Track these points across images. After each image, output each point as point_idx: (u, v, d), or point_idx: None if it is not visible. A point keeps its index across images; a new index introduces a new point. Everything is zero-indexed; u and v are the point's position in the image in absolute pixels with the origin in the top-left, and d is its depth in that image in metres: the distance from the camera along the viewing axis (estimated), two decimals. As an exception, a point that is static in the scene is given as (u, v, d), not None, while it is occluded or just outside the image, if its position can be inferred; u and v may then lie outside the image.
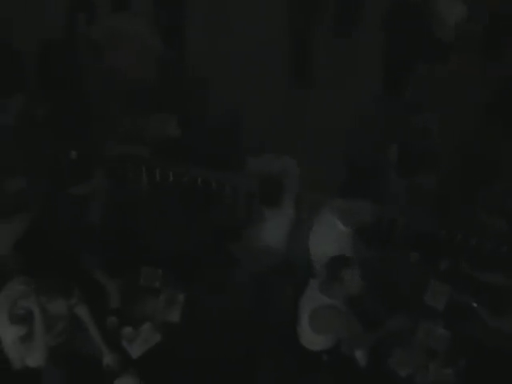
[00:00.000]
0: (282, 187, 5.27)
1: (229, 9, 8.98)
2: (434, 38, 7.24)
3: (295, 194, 5.45)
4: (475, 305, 5.12)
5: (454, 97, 7.49)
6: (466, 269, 5.39)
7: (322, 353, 4.87)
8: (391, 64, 7.51)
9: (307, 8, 7.66)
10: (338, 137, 6.92)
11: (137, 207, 5.68)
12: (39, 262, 4.92)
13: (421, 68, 7.48)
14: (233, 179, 5.74)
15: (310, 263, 5.21)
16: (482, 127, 7.32)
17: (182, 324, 5.12)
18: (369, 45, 8.10)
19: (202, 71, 7.34)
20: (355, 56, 8.52)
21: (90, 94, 6.55)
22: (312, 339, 4.79)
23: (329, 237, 5.09)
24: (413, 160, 5.96)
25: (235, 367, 5.00)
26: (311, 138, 7.22)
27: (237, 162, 5.82)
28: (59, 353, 4.76)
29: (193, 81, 6.89)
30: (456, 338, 5.03)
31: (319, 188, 5.81)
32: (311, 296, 4.65)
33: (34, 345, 4.48)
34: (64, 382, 4.83)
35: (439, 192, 6.02)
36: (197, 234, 5.46)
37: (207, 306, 5.15)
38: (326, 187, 6.04)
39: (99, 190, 5.38)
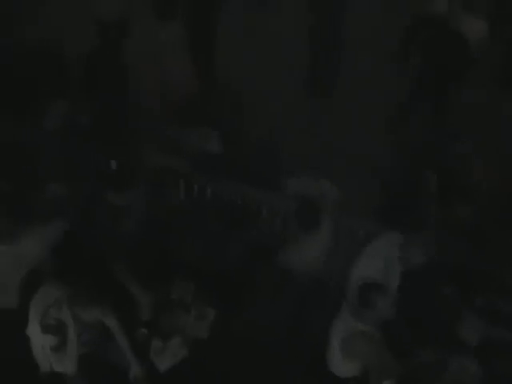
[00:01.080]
0: (319, 210, 5.24)
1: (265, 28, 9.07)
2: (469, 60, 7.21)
3: (332, 218, 5.41)
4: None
5: (492, 123, 7.41)
6: (501, 304, 5.29)
7: (349, 380, 4.81)
8: (426, 90, 7.47)
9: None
10: (376, 162, 6.89)
11: (173, 221, 5.68)
12: (73, 269, 4.95)
13: (461, 93, 7.43)
14: (270, 199, 5.72)
15: (343, 288, 5.16)
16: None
17: (210, 340, 5.10)
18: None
19: (244, 92, 7.38)
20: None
21: (132, 104, 6.61)
22: (341, 365, 4.74)
23: (369, 264, 5.04)
24: (451, 190, 5.89)
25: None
26: (349, 162, 7.19)
27: (275, 182, 5.80)
28: (87, 361, 4.77)
29: (234, 98, 6.94)
30: (489, 375, 4.92)
31: (356, 212, 5.77)
32: (344, 321, 4.61)
33: (64, 354, 4.50)
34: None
35: (477, 223, 5.93)
36: (231, 251, 5.44)
37: (237, 323, 5.13)
38: (362, 212, 6.00)
39: (137, 201, 5.39)
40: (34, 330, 4.52)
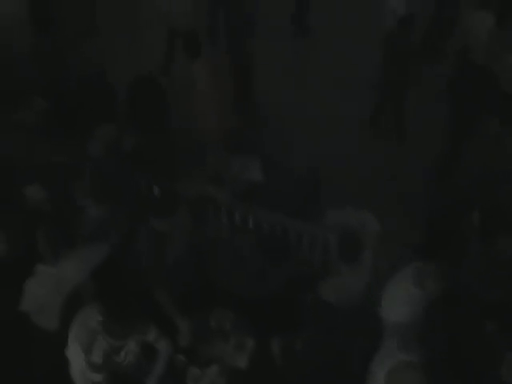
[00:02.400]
0: (360, 242, 5.20)
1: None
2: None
3: (373, 250, 5.37)
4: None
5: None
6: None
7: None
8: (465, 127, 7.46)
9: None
10: (418, 196, 6.86)
11: (214, 248, 5.69)
12: (114, 293, 4.96)
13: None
14: (311, 229, 5.70)
15: (383, 320, 5.10)
16: None
17: (248, 370, 5.05)
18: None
19: (286, 121, 7.42)
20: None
21: (176, 132, 6.70)
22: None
23: (401, 298, 4.98)
24: (495, 225, 5.81)
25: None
26: (391, 194, 7.17)
27: (316, 213, 5.79)
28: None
29: (277, 128, 6.99)
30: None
31: (396, 245, 5.72)
32: (388, 353, 4.53)
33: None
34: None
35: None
36: (271, 280, 5.42)
37: (276, 354, 5.07)
38: (403, 245, 5.95)
39: (179, 227, 5.41)
40: (73, 352, 4.52)
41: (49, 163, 6.16)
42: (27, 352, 4.99)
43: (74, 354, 4.52)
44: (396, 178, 7.48)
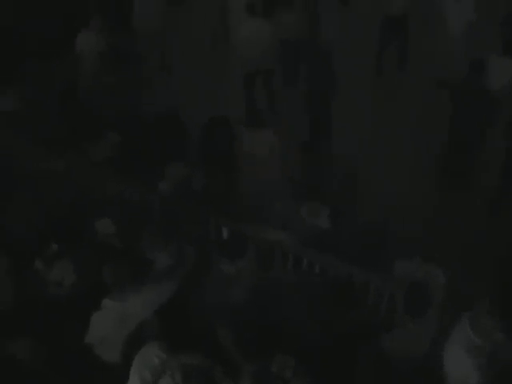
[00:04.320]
0: (427, 296, 5.11)
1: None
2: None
3: (440, 304, 5.26)
4: None
5: None
6: None
7: None
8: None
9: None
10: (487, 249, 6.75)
11: (280, 293, 5.65)
12: (178, 332, 4.99)
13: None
14: (377, 279, 5.61)
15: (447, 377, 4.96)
16: None
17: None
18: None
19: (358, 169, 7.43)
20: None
21: (246, 175, 6.77)
22: None
23: (463, 350, 4.83)
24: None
25: None
26: (458, 247, 7.05)
27: (383, 263, 5.72)
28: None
29: (346, 175, 6.98)
30: None
31: (463, 299, 5.59)
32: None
33: None
34: None
35: None
36: (335, 329, 5.34)
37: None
38: (470, 299, 5.82)
39: (246, 270, 5.42)
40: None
41: (120, 199, 6.29)
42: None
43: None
44: (464, 228, 7.37)
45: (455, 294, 5.49)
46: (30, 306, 5.30)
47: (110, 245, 5.85)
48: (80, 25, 9.62)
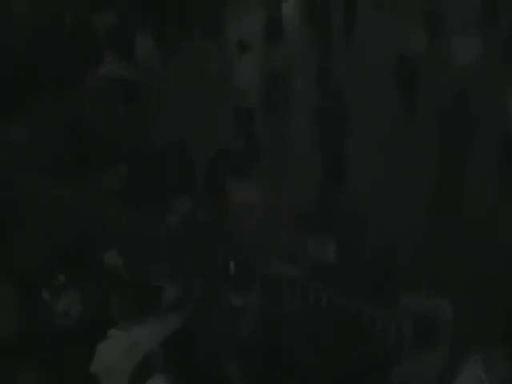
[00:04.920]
0: (434, 330, 5.09)
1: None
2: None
3: (448, 337, 5.23)
4: None
5: None
6: None
7: None
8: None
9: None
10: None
11: (287, 326, 5.63)
12: (184, 364, 4.96)
13: None
14: (385, 313, 5.58)
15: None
16: None
17: None
18: None
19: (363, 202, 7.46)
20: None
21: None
22: None
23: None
24: None
25: None
26: (464, 279, 7.02)
27: (390, 296, 5.70)
28: None
29: (354, 210, 6.99)
30: None
31: (471, 333, 5.58)
32: None
33: None
34: None
35: None
36: (344, 362, 5.30)
37: None
38: (476, 333, 5.81)
39: (253, 303, 5.40)
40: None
41: (128, 231, 6.30)
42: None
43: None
44: (469, 260, 7.37)
45: (464, 328, 5.45)
46: (36, 335, 5.28)
47: (117, 276, 5.85)
48: (91, 59, 9.80)
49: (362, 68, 11.67)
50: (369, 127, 9.68)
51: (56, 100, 9.28)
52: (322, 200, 6.91)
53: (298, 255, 6.13)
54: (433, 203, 8.53)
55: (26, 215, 6.60)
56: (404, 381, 5.07)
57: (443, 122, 8.43)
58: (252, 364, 5.11)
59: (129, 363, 4.95)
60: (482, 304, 6.59)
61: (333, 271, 5.93)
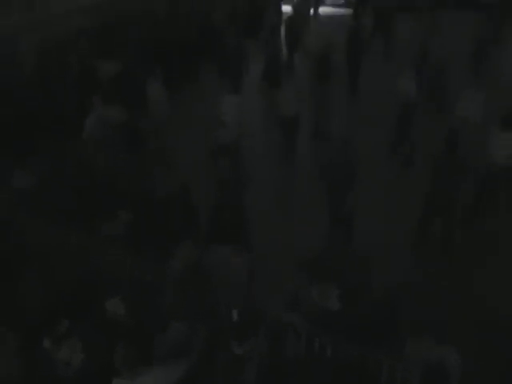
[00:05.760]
0: (443, 377, 5.02)
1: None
2: None
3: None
4: None
5: None
6: None
7: None
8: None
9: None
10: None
11: (293, 375, 5.55)
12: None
13: None
14: (390, 361, 5.50)
15: None
16: None
17: None
18: None
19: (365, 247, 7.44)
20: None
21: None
22: None
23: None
24: None
25: None
26: (472, 329, 6.95)
27: (395, 344, 5.62)
28: None
29: (357, 257, 6.94)
30: None
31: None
32: None
33: None
34: None
35: None
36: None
37: None
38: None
39: (257, 352, 5.34)
40: None
41: (131, 278, 6.26)
42: None
43: None
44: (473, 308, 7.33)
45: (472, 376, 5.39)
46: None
47: (120, 324, 5.79)
48: (92, 105, 9.90)
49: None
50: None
51: (59, 145, 9.32)
52: (327, 248, 6.87)
53: (302, 303, 6.07)
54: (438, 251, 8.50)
55: (29, 261, 6.56)
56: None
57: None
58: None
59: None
60: (490, 352, 6.52)
61: (338, 318, 5.86)
